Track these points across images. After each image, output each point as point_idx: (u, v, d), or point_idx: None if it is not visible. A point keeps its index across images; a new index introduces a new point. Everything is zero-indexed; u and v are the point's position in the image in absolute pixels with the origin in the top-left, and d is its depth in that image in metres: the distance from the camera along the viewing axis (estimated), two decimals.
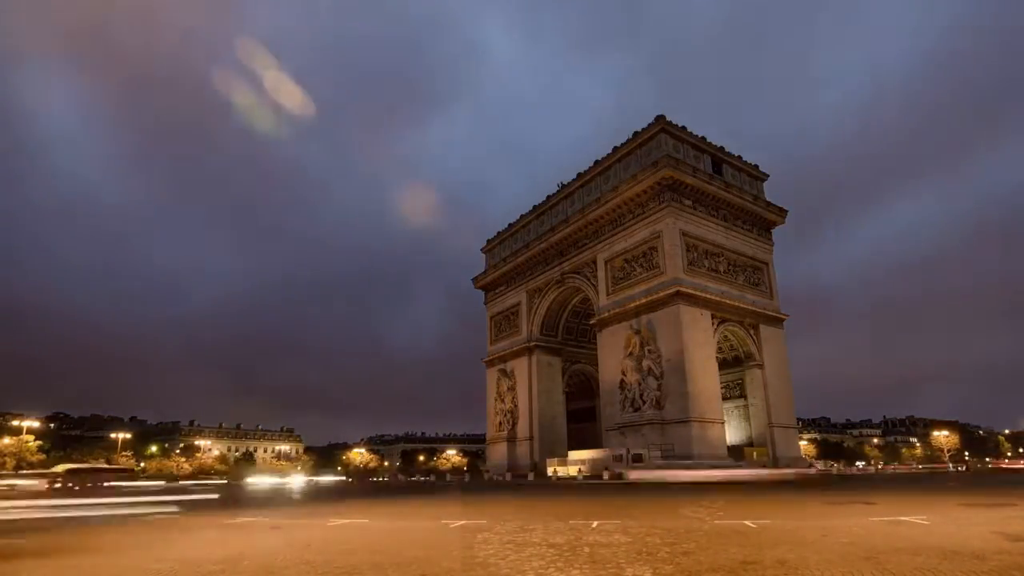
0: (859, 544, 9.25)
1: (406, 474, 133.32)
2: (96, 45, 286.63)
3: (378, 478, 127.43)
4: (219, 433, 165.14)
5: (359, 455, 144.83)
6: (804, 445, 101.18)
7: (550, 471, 63.83)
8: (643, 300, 60.86)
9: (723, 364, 62.79)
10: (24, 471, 59.17)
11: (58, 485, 39.01)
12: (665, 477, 47.51)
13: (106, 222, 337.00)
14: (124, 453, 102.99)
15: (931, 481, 42.31)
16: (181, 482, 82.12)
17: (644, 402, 58.64)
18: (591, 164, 73.51)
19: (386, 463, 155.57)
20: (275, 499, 32.81)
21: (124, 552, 10.76)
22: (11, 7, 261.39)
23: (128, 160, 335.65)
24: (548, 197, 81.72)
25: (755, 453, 59.91)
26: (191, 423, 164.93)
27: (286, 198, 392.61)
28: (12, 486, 36.43)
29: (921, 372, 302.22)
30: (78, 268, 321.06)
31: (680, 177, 61.42)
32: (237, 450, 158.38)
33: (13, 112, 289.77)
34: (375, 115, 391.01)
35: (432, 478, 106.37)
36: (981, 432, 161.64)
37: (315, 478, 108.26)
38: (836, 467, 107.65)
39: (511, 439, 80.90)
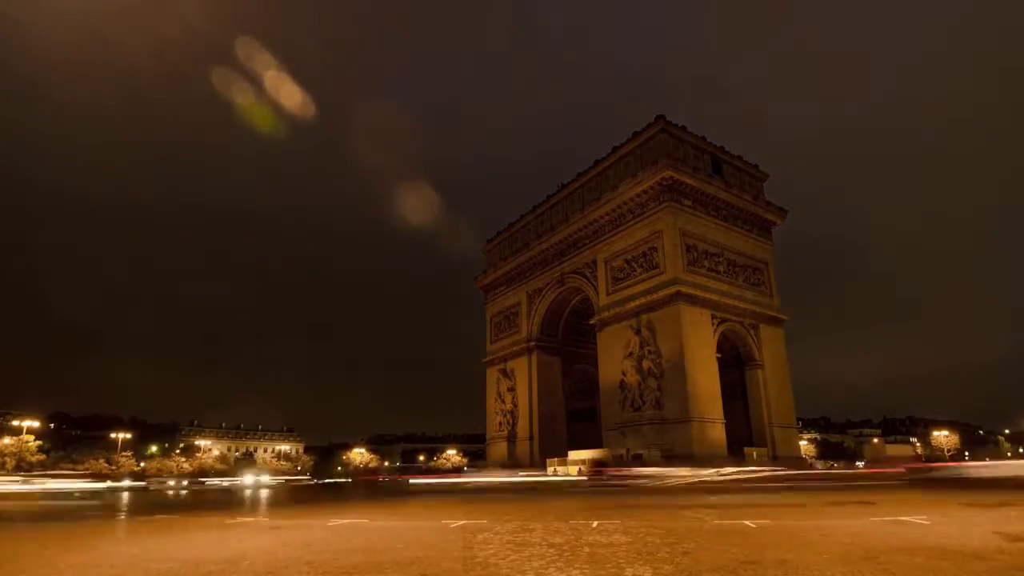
0: (859, 544, 9.24)
1: (406, 475, 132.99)
2: None
3: (378, 478, 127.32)
4: (219, 433, 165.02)
5: (359, 455, 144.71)
6: (804, 445, 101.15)
7: (550, 471, 63.79)
8: (643, 300, 60.81)
9: (723, 364, 62.67)
10: None
11: None
12: None
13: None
14: (124, 453, 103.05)
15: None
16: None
17: (644, 402, 58.61)
18: (591, 164, 73.48)
19: (386, 463, 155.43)
20: None
21: (124, 551, 10.75)
22: None
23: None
24: (548, 197, 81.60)
25: (755, 453, 59.80)
26: (191, 423, 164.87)
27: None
28: None
29: (921, 369, 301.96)
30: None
31: (680, 177, 61.38)
32: (237, 450, 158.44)
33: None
34: None
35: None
36: (981, 432, 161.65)
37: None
38: (836, 467, 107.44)
39: (511, 439, 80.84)
